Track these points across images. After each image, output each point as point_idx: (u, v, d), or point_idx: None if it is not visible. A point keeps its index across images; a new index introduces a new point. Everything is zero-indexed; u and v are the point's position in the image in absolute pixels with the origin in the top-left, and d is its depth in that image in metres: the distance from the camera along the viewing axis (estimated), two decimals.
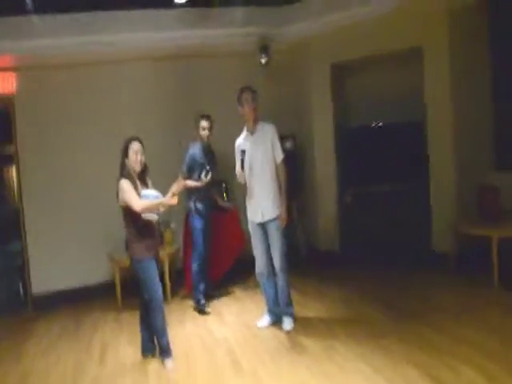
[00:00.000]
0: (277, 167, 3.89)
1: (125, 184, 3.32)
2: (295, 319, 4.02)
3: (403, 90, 5.43)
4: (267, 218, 3.86)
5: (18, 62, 5.02)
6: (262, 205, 3.86)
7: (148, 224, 3.44)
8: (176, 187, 3.47)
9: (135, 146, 3.42)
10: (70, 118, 5.39)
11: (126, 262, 4.82)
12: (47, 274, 5.26)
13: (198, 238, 4.61)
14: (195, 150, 4.64)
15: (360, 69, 5.87)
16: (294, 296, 4.30)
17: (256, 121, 3.93)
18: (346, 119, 5.99)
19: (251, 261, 4.08)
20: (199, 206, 4.63)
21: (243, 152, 3.85)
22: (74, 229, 5.37)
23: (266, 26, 5.39)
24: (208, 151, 4.72)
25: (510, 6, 4.94)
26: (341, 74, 5.91)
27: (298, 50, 6.02)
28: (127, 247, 3.52)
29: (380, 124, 5.59)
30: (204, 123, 4.60)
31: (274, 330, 3.94)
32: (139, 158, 3.44)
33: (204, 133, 4.61)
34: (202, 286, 4.57)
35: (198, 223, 4.62)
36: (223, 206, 4.99)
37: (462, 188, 5.12)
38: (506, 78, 5.11)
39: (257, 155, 3.86)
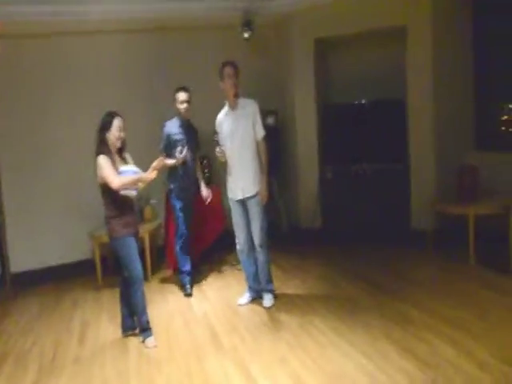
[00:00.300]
0: (258, 144, 3.86)
1: (102, 160, 3.24)
2: (276, 296, 4.06)
3: (387, 68, 5.42)
4: (247, 194, 3.85)
5: None
6: (242, 182, 3.84)
7: (127, 201, 3.40)
8: (156, 164, 3.41)
9: (119, 122, 3.35)
10: (47, 89, 5.20)
11: (106, 239, 4.80)
12: (26, 251, 5.17)
13: (179, 218, 4.45)
14: (172, 125, 4.41)
15: (344, 45, 5.80)
16: (275, 272, 4.35)
17: (237, 96, 3.85)
18: (328, 96, 5.95)
19: (233, 237, 4.08)
20: (177, 186, 4.41)
21: (217, 133, 3.86)
22: (54, 205, 5.27)
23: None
24: (187, 126, 4.46)
25: None
26: (324, 49, 5.84)
27: (281, 25, 5.92)
28: (106, 224, 3.46)
29: (363, 101, 5.56)
30: (181, 95, 4.32)
31: (255, 307, 3.97)
32: (122, 134, 3.37)
33: (182, 106, 4.33)
34: (186, 268, 4.46)
35: (176, 203, 4.44)
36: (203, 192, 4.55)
37: (442, 167, 5.18)
38: (488, 59, 5.13)
39: (237, 131, 3.82)
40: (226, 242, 4.94)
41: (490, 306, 3.56)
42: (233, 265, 5.04)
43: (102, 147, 3.30)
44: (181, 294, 4.41)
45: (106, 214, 3.42)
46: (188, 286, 4.40)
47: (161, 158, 3.52)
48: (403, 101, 5.32)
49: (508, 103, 5.06)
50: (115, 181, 3.19)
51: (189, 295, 4.35)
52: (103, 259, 4.94)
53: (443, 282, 4.14)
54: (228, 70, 3.79)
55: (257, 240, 3.89)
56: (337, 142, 5.71)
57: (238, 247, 4.03)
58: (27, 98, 5.15)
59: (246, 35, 5.46)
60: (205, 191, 4.52)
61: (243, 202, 3.90)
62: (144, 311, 3.48)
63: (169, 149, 4.36)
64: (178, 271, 4.63)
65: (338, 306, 3.80)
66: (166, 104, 4.80)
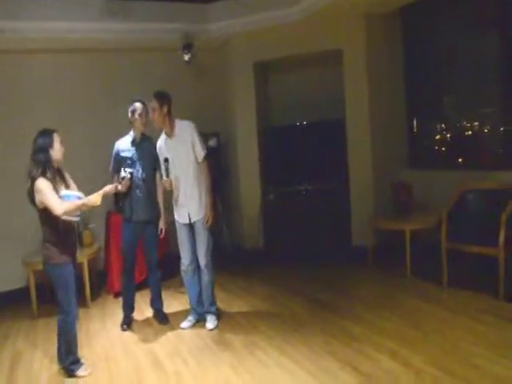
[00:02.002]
0: (200, 165, 3.80)
1: (43, 184, 2.99)
2: (219, 317, 4.01)
3: (326, 89, 5.60)
4: (194, 218, 3.80)
5: None
6: (189, 207, 3.79)
7: (68, 226, 3.21)
8: (109, 189, 3.32)
9: (58, 137, 3.17)
10: None
11: (41, 266, 4.56)
12: None
13: (125, 249, 4.04)
14: (122, 142, 4.00)
15: (284, 68, 5.97)
16: (219, 294, 4.31)
17: (172, 124, 3.74)
18: (269, 117, 6.07)
19: (176, 261, 4.01)
20: (128, 209, 3.97)
21: (166, 161, 3.70)
22: None
23: (189, 22, 5.35)
24: (141, 141, 3.98)
25: (421, 13, 5.26)
26: (264, 72, 5.99)
27: (221, 48, 6.01)
28: (43, 249, 3.21)
29: (304, 122, 5.70)
30: (137, 106, 3.92)
31: (198, 330, 3.90)
32: (63, 148, 3.20)
33: (137, 119, 3.91)
34: (129, 302, 4.14)
35: (125, 233, 4.03)
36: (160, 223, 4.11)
37: (379, 185, 5.39)
38: (419, 80, 5.45)
39: (179, 158, 3.74)
40: (169, 265, 4.85)
41: (425, 317, 3.70)
42: (176, 288, 4.93)
43: (46, 169, 3.05)
44: (121, 319, 4.20)
45: (44, 239, 3.19)
46: (127, 321, 4.12)
47: (116, 184, 3.46)
48: (343, 121, 5.50)
49: (440, 123, 5.38)
50: (58, 208, 2.96)
51: (127, 327, 4.09)
52: (39, 287, 4.68)
53: (382, 296, 4.25)
54: (151, 105, 3.69)
55: (202, 261, 3.84)
56: (279, 162, 5.81)
57: (182, 268, 3.96)
58: None
59: (186, 58, 5.49)
60: (161, 223, 4.06)
61: (190, 225, 3.84)
62: (75, 348, 3.30)
63: (119, 169, 3.87)
64: (119, 295, 4.42)
65: (282, 325, 3.81)
66: (107, 125, 4.70)
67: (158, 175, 4.01)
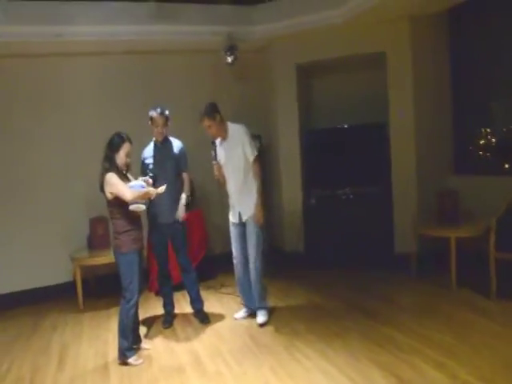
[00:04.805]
0: (252, 167, 3.93)
1: (112, 177, 3.34)
2: (270, 313, 4.07)
3: (369, 92, 5.52)
4: (245, 218, 3.96)
5: None
6: (239, 207, 3.97)
7: (135, 216, 3.48)
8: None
9: (128, 148, 3.46)
10: (28, 110, 5.16)
11: (87, 262, 4.74)
12: (2, 274, 5.03)
13: (155, 252, 4.24)
14: (146, 149, 4.12)
15: (326, 70, 5.92)
16: None
17: (225, 130, 3.93)
18: (311, 120, 6.04)
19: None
20: (152, 212, 4.02)
21: (213, 143, 3.96)
22: (32, 228, 5.17)
23: (233, 25, 5.40)
24: (162, 147, 4.06)
25: (468, 15, 5.11)
26: (306, 75, 5.96)
27: (263, 50, 6.03)
28: (114, 240, 3.50)
29: (346, 126, 5.64)
30: (155, 118, 3.95)
31: (238, 330, 3.94)
32: (128, 159, 3.48)
33: (155, 129, 3.99)
34: (168, 302, 4.24)
35: (153, 236, 4.18)
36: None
37: (423, 191, 5.25)
38: (465, 84, 5.30)
39: (230, 161, 3.94)
40: (210, 266, 4.90)
41: (472, 329, 3.59)
42: (216, 288, 4.98)
43: (110, 165, 3.40)
44: (163, 318, 4.30)
45: (114, 230, 3.48)
46: (166, 324, 4.16)
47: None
48: (385, 125, 5.41)
49: (485, 128, 5.21)
50: (128, 193, 3.29)
51: (169, 325, 4.16)
52: (85, 281, 4.84)
53: (426, 306, 4.15)
54: (205, 124, 3.84)
55: (252, 261, 3.97)
56: (320, 166, 5.75)
57: (234, 262, 4.12)
58: (7, 116, 5.08)
59: (229, 60, 5.54)
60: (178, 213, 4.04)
61: (242, 224, 3.99)
62: (130, 334, 3.48)
63: (145, 175, 3.91)
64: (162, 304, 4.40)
65: (323, 330, 3.79)
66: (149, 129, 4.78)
67: (184, 174, 4.12)
